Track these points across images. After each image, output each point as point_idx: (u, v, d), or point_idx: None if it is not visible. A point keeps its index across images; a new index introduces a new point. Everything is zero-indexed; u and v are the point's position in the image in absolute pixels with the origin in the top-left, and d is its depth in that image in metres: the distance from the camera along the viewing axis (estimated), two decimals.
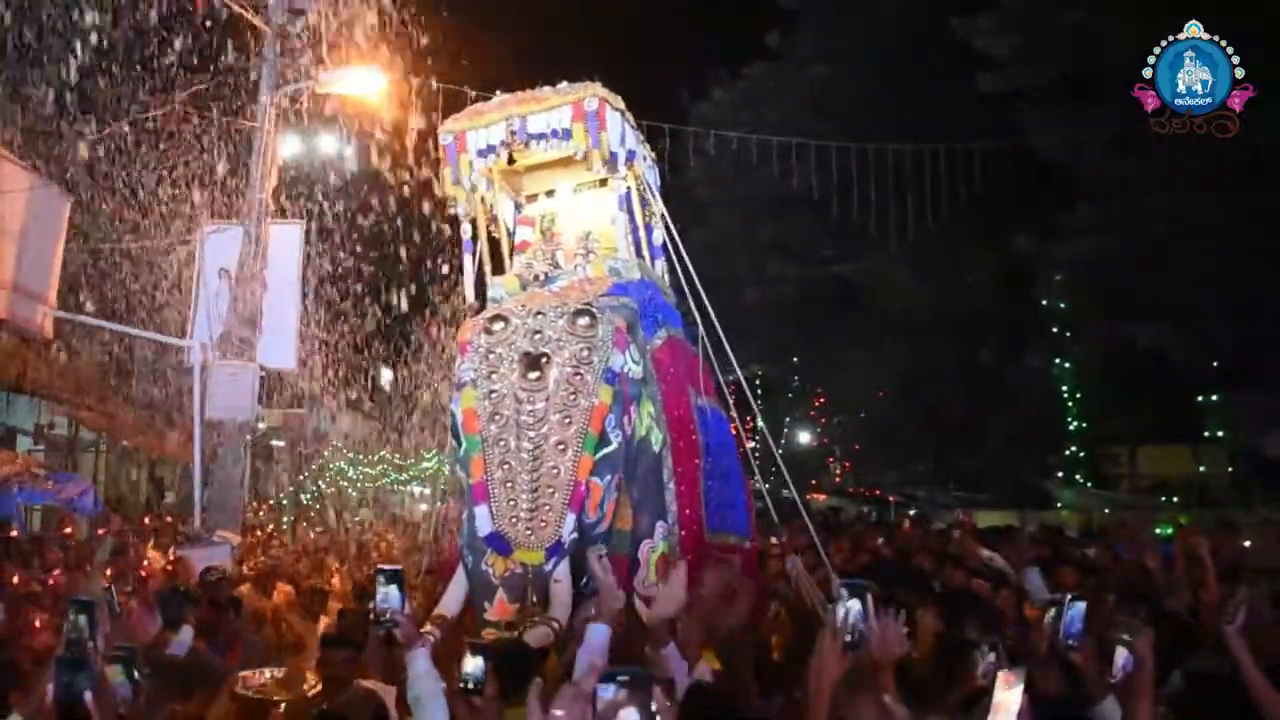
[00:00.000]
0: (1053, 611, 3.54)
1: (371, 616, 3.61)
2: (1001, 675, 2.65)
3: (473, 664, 3.38)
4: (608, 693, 1.74)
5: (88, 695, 2.51)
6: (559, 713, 1.67)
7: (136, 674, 2.74)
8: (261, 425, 17.05)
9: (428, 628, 3.82)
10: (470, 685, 3.32)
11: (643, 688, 1.76)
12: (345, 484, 25.58)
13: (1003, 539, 10.45)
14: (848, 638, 2.67)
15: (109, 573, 9.27)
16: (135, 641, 3.84)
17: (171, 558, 9.68)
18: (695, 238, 18.11)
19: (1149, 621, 3.82)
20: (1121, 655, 3.29)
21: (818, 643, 2.68)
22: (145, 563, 10.07)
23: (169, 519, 14.12)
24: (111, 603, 3.89)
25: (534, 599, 4.93)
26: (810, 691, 2.67)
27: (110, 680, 2.63)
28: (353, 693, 4.16)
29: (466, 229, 7.00)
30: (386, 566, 3.72)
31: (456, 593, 5.31)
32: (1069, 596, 3.57)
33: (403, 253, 16.74)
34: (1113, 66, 17.60)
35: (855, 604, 2.71)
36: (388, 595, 3.56)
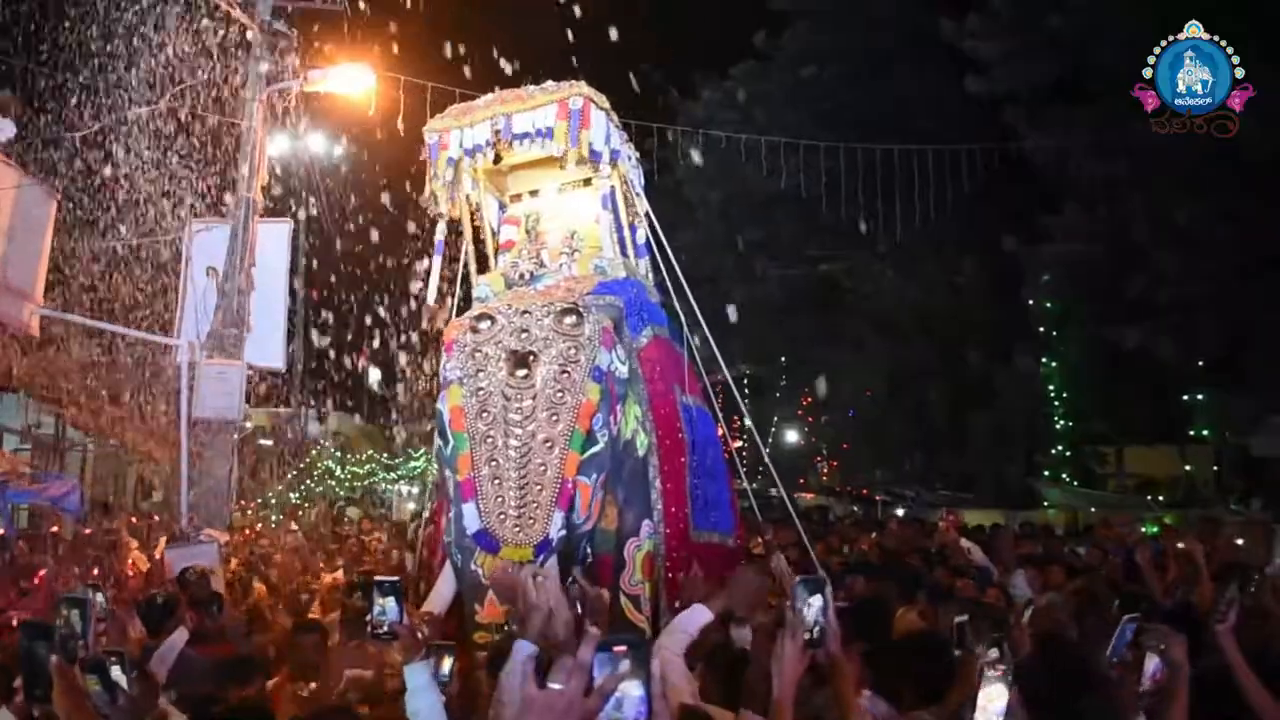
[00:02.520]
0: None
1: (369, 629, 3.56)
2: (987, 670, 2.66)
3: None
4: (606, 663, 1.67)
5: (53, 661, 2.51)
6: (556, 686, 1.61)
7: (121, 677, 2.72)
8: (248, 424, 17.01)
9: (415, 623, 3.80)
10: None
11: (642, 657, 1.69)
12: (333, 483, 25.57)
13: (990, 538, 10.50)
14: (808, 635, 2.66)
15: (95, 572, 9.28)
16: (123, 644, 3.86)
17: (157, 556, 9.65)
18: (683, 237, 18.16)
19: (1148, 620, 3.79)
20: (1152, 663, 3.25)
21: (777, 643, 2.67)
22: (131, 562, 10.05)
23: (155, 518, 14.08)
24: (100, 607, 3.87)
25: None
26: (774, 690, 2.67)
27: (88, 688, 2.62)
28: (325, 711, 4.14)
29: (439, 229, 7.00)
30: (383, 578, 3.61)
31: (444, 589, 5.31)
32: (1125, 616, 3.55)
33: (395, 252, 16.72)
34: (1105, 67, 17.66)
35: (816, 599, 2.70)
36: (385, 608, 3.42)
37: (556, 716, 1.59)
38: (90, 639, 2.89)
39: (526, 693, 1.62)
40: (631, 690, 1.66)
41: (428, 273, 6.97)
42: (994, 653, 3.52)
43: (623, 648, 1.69)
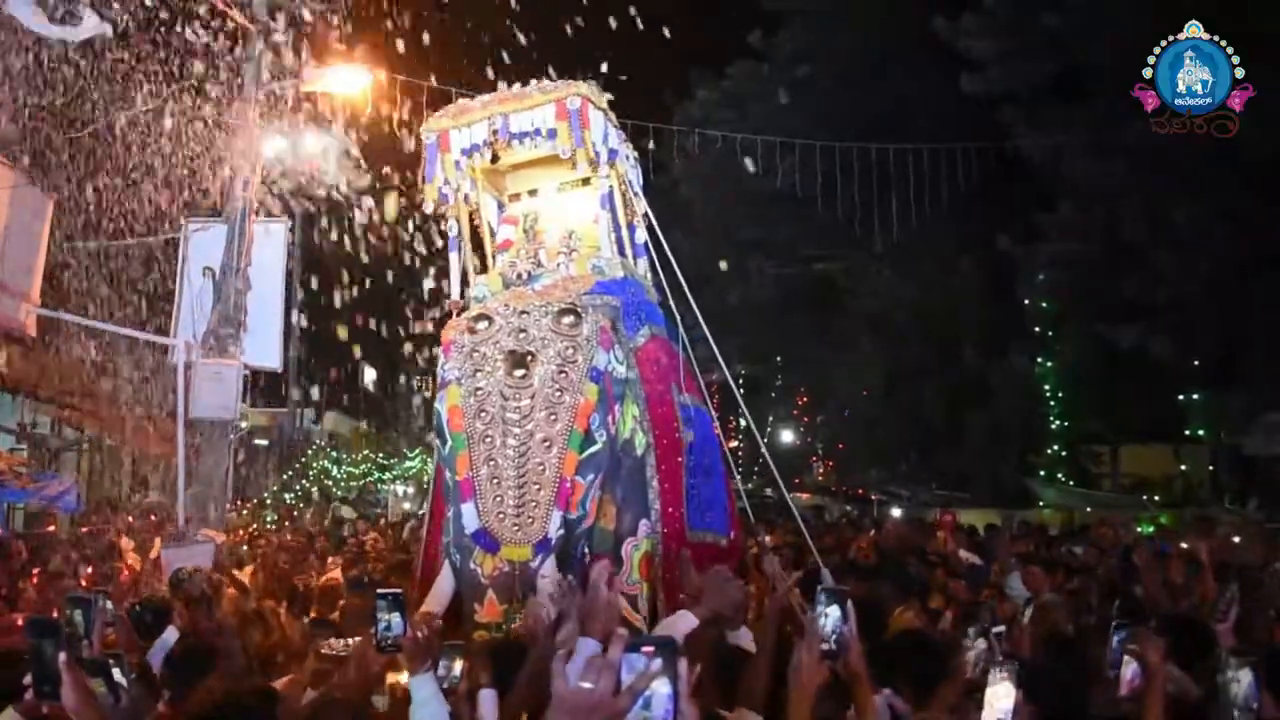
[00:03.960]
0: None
1: (375, 643, 3.50)
2: (993, 671, 2.66)
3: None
4: (636, 662, 1.66)
5: (61, 658, 2.51)
6: (587, 685, 1.63)
7: (122, 679, 2.73)
8: (245, 424, 16.99)
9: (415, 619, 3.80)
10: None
11: (671, 656, 1.68)
12: (329, 483, 25.56)
13: (986, 539, 10.52)
14: (826, 645, 2.66)
15: (89, 571, 9.26)
16: (130, 648, 3.85)
17: (154, 557, 9.63)
18: (678, 237, 18.14)
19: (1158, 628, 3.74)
20: (1130, 668, 3.17)
21: (795, 651, 2.66)
22: (127, 562, 10.03)
23: (151, 518, 14.06)
24: (108, 612, 3.87)
25: (522, 597, 4.93)
26: (790, 698, 2.66)
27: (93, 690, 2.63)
28: (328, 704, 4.13)
29: (452, 227, 6.98)
30: (387, 590, 3.60)
31: (444, 587, 5.31)
32: (1114, 623, 3.48)
33: (390, 251, 16.71)
34: (1102, 67, 17.69)
35: (835, 610, 2.70)
36: (390, 622, 3.45)
37: (585, 715, 1.60)
38: (95, 639, 2.90)
39: (556, 690, 1.63)
40: (660, 689, 1.66)
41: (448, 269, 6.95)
42: (981, 643, 3.52)
43: (651, 648, 1.69)
